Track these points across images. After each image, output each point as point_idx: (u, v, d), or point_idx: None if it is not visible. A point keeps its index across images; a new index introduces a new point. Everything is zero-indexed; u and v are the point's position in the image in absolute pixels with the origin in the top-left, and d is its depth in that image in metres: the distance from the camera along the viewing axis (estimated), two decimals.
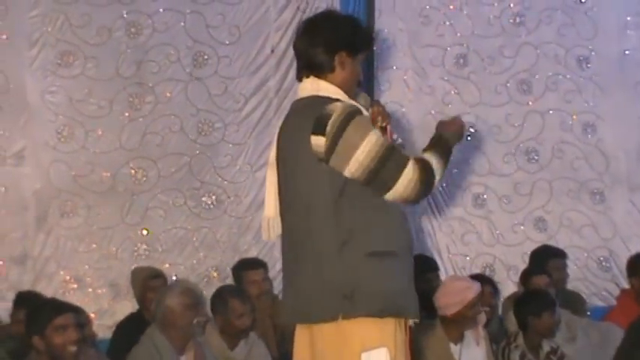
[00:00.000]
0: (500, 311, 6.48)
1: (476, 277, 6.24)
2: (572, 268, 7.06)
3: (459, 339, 5.43)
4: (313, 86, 3.55)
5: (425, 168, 3.44)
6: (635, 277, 6.44)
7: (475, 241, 7.05)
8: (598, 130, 7.24)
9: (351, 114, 3.43)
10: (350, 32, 3.57)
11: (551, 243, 7.00)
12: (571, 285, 7.01)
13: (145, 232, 6.47)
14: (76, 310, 4.88)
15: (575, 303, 6.47)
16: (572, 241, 7.12)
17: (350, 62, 3.55)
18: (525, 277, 6.33)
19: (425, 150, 3.54)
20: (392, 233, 3.50)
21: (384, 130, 3.51)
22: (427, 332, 5.33)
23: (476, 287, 5.44)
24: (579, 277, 7.10)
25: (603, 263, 7.15)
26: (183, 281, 5.88)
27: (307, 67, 3.57)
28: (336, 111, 3.43)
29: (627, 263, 6.64)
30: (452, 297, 5.38)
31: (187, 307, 5.24)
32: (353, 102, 3.52)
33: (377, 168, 3.40)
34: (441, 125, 3.63)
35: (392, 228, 3.50)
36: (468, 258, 7.02)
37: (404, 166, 3.42)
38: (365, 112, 3.50)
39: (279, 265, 6.20)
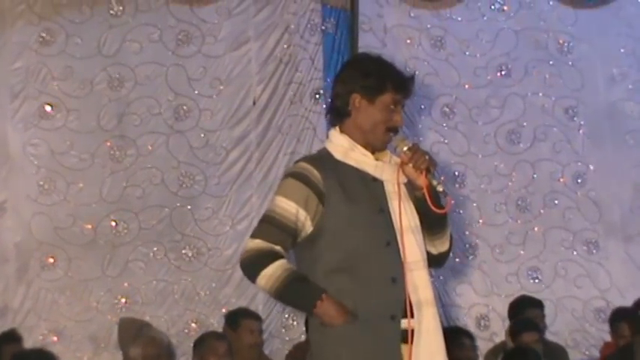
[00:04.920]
0: None
1: (452, 330, 6.09)
2: (569, 318, 6.90)
3: None
4: (328, 137, 3.50)
5: (259, 258, 3.32)
6: (615, 332, 6.25)
7: (468, 291, 6.88)
8: (589, 181, 7.13)
9: (286, 175, 3.45)
10: (364, 74, 3.39)
11: (547, 293, 6.84)
12: (569, 336, 6.84)
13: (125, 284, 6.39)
14: None
15: (558, 356, 6.25)
16: (568, 292, 6.95)
17: (365, 105, 3.38)
18: (515, 331, 6.08)
19: (301, 274, 3.34)
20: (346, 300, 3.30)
21: (421, 174, 3.33)
22: None
23: None
24: (577, 328, 6.91)
25: (600, 314, 6.92)
26: (149, 330, 5.65)
27: (330, 114, 3.51)
28: None
29: (609, 318, 6.44)
30: None
31: (149, 358, 5.10)
32: (304, 164, 3.38)
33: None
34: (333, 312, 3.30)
35: (347, 295, 3.30)
36: (461, 309, 6.83)
37: (255, 235, 3.38)
38: (308, 175, 3.35)
39: None
